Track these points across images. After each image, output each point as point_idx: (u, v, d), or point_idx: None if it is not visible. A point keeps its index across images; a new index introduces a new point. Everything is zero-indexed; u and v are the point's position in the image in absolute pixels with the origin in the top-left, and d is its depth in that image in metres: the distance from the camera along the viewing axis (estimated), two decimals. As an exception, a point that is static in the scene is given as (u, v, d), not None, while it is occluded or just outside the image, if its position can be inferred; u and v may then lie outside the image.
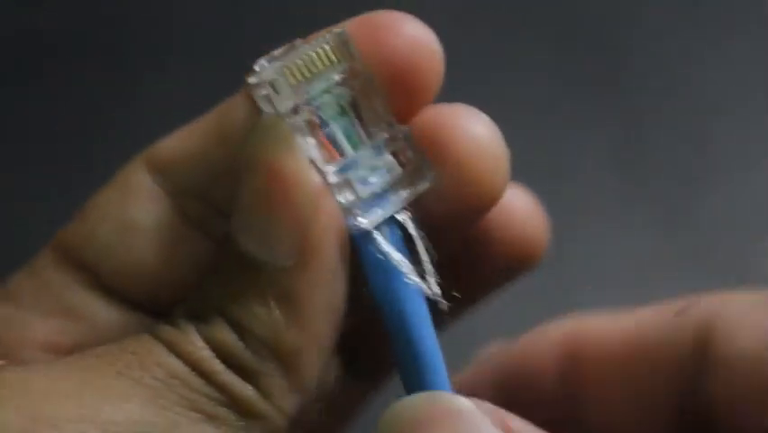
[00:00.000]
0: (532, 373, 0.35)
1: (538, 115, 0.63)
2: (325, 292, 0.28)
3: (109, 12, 0.65)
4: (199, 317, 0.28)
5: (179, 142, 0.32)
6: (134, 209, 0.31)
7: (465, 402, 0.27)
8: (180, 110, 0.65)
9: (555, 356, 0.34)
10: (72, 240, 0.31)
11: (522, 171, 0.61)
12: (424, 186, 0.28)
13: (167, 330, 0.28)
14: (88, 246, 0.31)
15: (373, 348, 0.34)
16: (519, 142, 0.67)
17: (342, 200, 0.27)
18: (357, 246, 0.28)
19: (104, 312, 0.30)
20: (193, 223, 0.30)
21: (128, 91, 0.63)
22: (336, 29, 0.29)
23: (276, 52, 0.28)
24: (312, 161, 0.27)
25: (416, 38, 0.29)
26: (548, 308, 0.57)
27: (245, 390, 0.27)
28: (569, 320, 0.34)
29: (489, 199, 0.30)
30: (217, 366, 0.27)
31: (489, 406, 0.27)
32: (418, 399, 0.27)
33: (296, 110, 0.28)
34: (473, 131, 0.30)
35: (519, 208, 0.35)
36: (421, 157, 0.28)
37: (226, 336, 0.27)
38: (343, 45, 0.28)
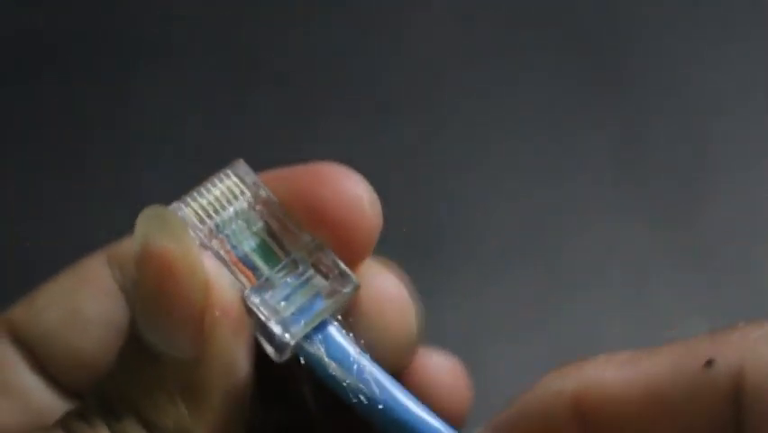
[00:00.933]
0: None
1: (538, 115, 0.63)
2: (225, 383, 0.27)
3: (109, 12, 0.66)
4: (110, 410, 0.27)
5: None
6: (85, 300, 0.30)
7: None
8: (181, 110, 0.66)
9: (567, 419, 0.30)
10: (19, 319, 0.31)
11: (522, 171, 0.61)
12: (348, 291, 0.28)
13: (78, 426, 0.27)
14: (32, 329, 0.30)
15: None
16: (519, 143, 0.68)
17: (264, 319, 0.28)
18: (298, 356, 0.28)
19: (42, 395, 0.30)
20: None
21: (128, 91, 0.63)
22: (235, 162, 0.29)
23: (186, 195, 0.29)
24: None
25: (352, 196, 0.29)
26: (548, 308, 0.57)
27: None
28: (573, 372, 0.30)
29: (399, 364, 0.30)
30: None
31: None
32: None
33: (205, 245, 0.28)
34: (384, 289, 0.30)
35: (441, 378, 0.33)
36: (340, 265, 0.29)
37: (136, 431, 0.27)
38: (245, 177, 0.29)
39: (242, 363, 0.28)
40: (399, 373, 0.30)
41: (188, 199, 0.29)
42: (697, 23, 0.65)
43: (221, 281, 0.27)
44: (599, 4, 0.66)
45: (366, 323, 0.29)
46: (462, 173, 0.61)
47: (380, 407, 0.28)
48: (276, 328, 0.28)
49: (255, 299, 0.28)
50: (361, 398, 0.28)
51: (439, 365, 0.33)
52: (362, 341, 0.29)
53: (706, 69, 0.64)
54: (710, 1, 0.66)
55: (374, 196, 0.29)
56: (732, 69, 0.64)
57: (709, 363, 0.28)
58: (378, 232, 0.29)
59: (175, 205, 0.28)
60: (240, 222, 0.29)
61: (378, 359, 0.29)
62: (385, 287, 0.30)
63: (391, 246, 0.30)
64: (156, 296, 0.27)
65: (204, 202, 0.29)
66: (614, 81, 0.64)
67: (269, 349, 0.28)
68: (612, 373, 0.29)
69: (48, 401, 0.30)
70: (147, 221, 0.27)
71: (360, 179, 0.29)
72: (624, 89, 0.63)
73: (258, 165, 0.30)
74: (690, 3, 0.66)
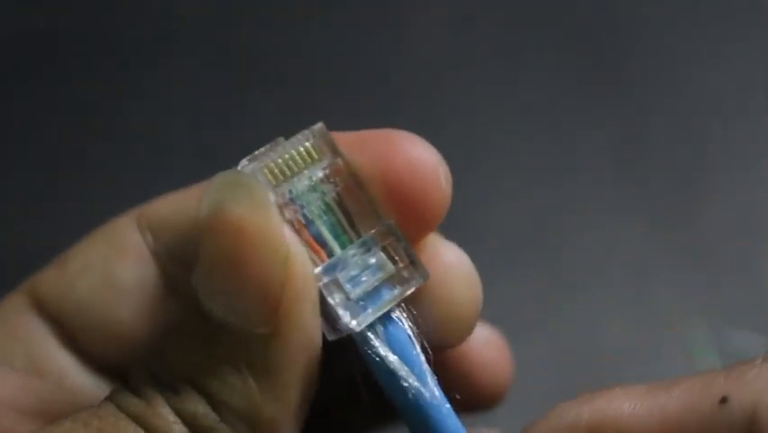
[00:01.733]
0: None
1: (538, 115, 0.63)
2: (302, 362, 0.26)
3: (109, 12, 0.65)
4: (167, 385, 0.26)
5: (173, 205, 0.30)
6: (119, 266, 0.29)
7: None
8: (181, 110, 0.66)
9: None
10: (48, 289, 0.29)
11: (522, 171, 0.61)
12: (417, 282, 0.27)
13: (133, 402, 0.26)
14: (65, 298, 0.29)
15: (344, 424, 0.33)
16: (519, 143, 0.68)
17: (331, 301, 0.27)
18: (354, 344, 0.27)
19: (73, 372, 0.29)
20: (175, 288, 0.29)
21: (128, 91, 0.63)
22: (316, 125, 0.28)
23: (258, 151, 0.27)
24: None
25: (428, 165, 0.28)
26: (548, 308, 0.57)
27: None
28: (588, 403, 0.30)
29: (458, 339, 0.29)
30: None
31: None
32: None
33: (278, 211, 0.27)
34: (453, 262, 0.29)
35: (485, 353, 0.33)
36: (412, 253, 0.28)
37: (198, 407, 0.26)
38: (324, 142, 0.28)
39: (317, 339, 0.27)
40: (455, 348, 0.30)
41: (264, 158, 0.27)
42: (697, 23, 0.65)
43: (300, 254, 0.26)
44: (599, 4, 0.66)
45: (435, 296, 0.28)
46: (462, 173, 0.60)
47: (440, 411, 0.27)
48: (344, 314, 0.26)
49: (324, 279, 0.27)
50: (415, 396, 0.27)
51: (482, 339, 0.33)
52: (427, 317, 0.28)
53: (706, 69, 0.64)
54: (710, 1, 0.66)
55: (447, 167, 0.28)
56: (732, 69, 0.64)
57: (724, 400, 0.28)
58: (448, 204, 0.28)
59: (252, 164, 0.27)
60: (313, 191, 0.27)
61: (443, 332, 0.28)
62: (454, 260, 0.29)
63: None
64: (230, 266, 0.25)
65: (280, 164, 0.27)
66: (614, 81, 0.63)
67: (326, 328, 0.27)
68: (628, 405, 0.29)
69: (81, 380, 0.29)
70: (222, 187, 0.25)
71: (433, 149, 0.28)
72: (624, 89, 0.63)
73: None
74: (690, 3, 0.66)
